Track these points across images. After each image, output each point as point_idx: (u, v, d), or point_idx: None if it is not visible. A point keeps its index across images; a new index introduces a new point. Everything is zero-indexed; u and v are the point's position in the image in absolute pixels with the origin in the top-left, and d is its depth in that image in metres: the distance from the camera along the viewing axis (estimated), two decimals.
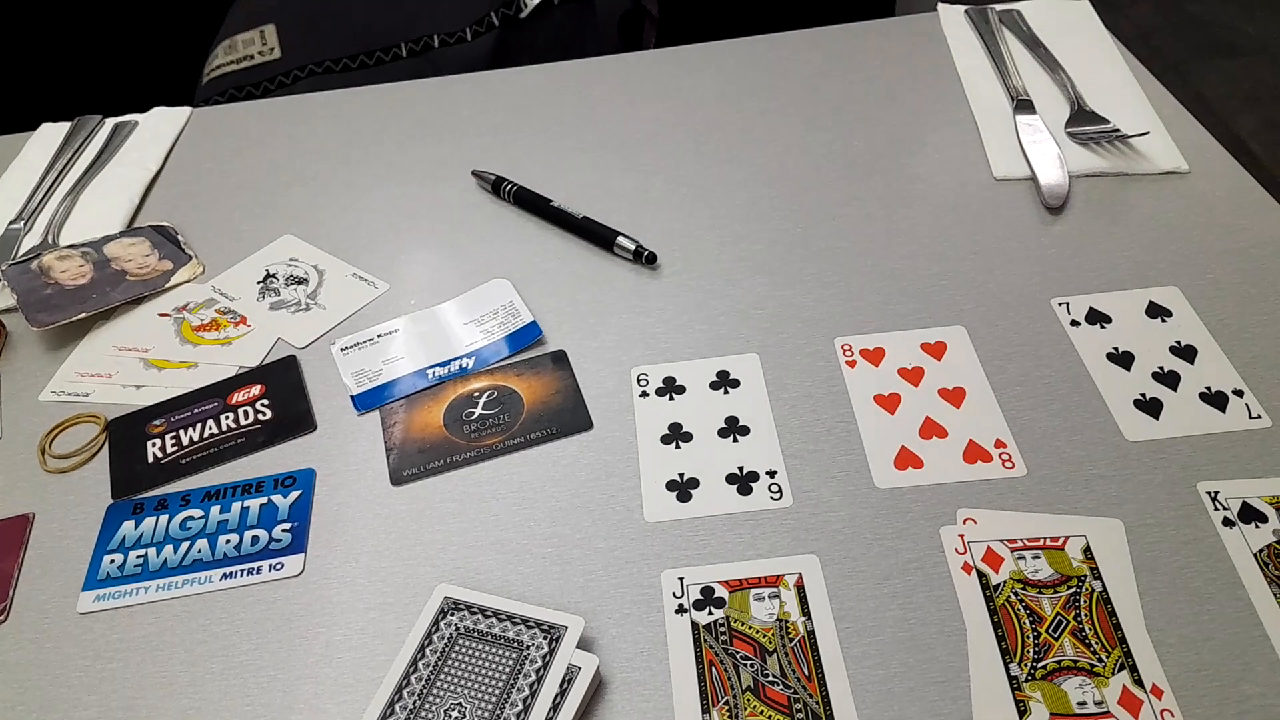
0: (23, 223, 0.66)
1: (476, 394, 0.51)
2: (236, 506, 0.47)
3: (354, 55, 1.08)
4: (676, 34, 1.09)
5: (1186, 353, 0.49)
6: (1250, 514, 0.42)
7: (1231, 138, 2.18)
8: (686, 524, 0.44)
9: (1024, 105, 0.65)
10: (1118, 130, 0.62)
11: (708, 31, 1.12)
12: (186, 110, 0.77)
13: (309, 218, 0.65)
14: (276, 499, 0.47)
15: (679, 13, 1.11)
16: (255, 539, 0.45)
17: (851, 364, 0.51)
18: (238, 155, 0.72)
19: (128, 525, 0.47)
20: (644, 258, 0.58)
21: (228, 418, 0.52)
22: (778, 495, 0.45)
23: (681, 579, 0.42)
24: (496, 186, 0.64)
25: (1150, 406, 0.47)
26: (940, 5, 0.76)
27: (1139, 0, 2.63)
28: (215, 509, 0.47)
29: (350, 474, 0.49)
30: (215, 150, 0.73)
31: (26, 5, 1.39)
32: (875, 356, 0.51)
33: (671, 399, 0.50)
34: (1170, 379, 0.48)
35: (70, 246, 0.63)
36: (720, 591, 0.41)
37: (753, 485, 0.45)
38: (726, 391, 0.50)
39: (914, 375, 0.50)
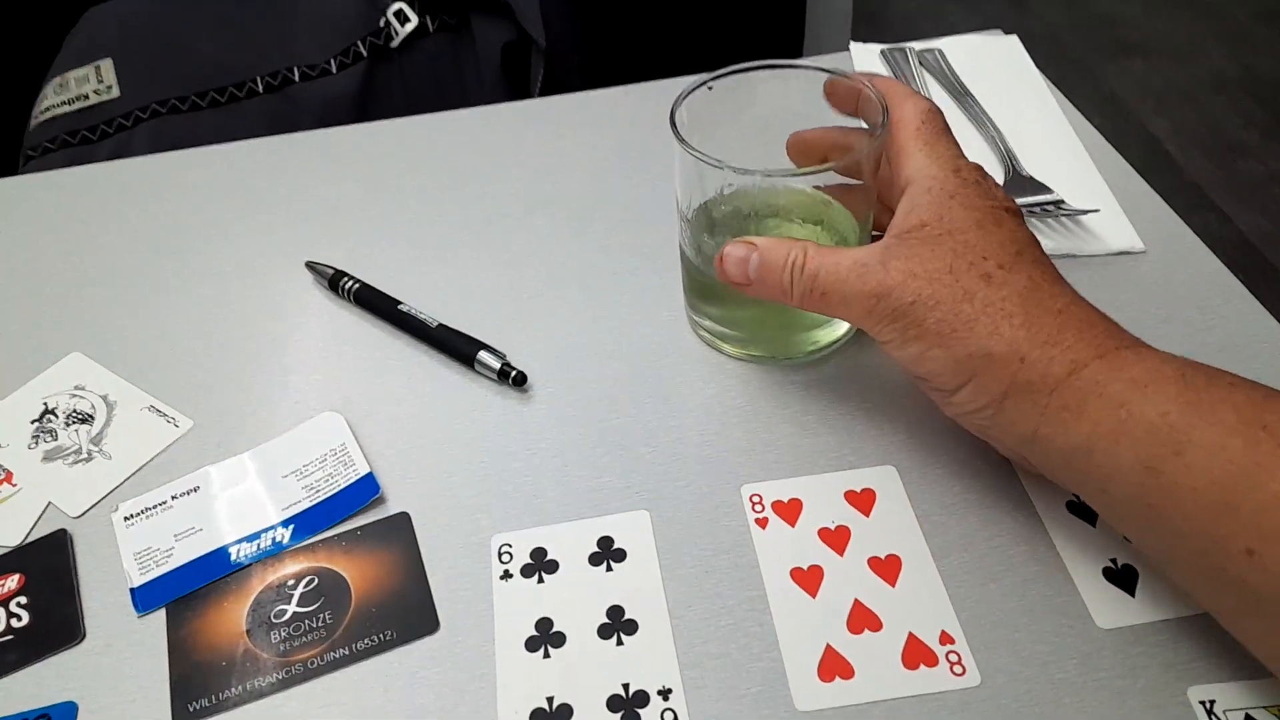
0: None
1: (291, 583, 0.40)
2: None
3: (203, 93, 0.95)
4: (569, 67, 0.99)
5: None
6: None
7: (1148, 139, 2.17)
8: None
9: None
10: (1061, 202, 0.53)
11: (605, 66, 1.01)
12: None
13: (105, 328, 0.53)
14: None
15: (573, 45, 1.00)
16: None
17: (762, 522, 0.41)
18: (28, 244, 0.59)
19: None
20: (511, 378, 0.47)
21: None
22: None
23: None
24: (334, 283, 0.53)
25: (1123, 577, 0.38)
26: (853, 45, 0.67)
27: (1051, 1, 2.61)
28: None
29: (120, 707, 0.37)
30: (4, 237, 0.60)
31: None
32: (790, 512, 0.41)
33: (540, 580, 0.40)
34: None
35: None
36: None
37: (640, 713, 0.36)
38: (610, 568, 0.40)
39: (838, 539, 0.40)
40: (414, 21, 0.95)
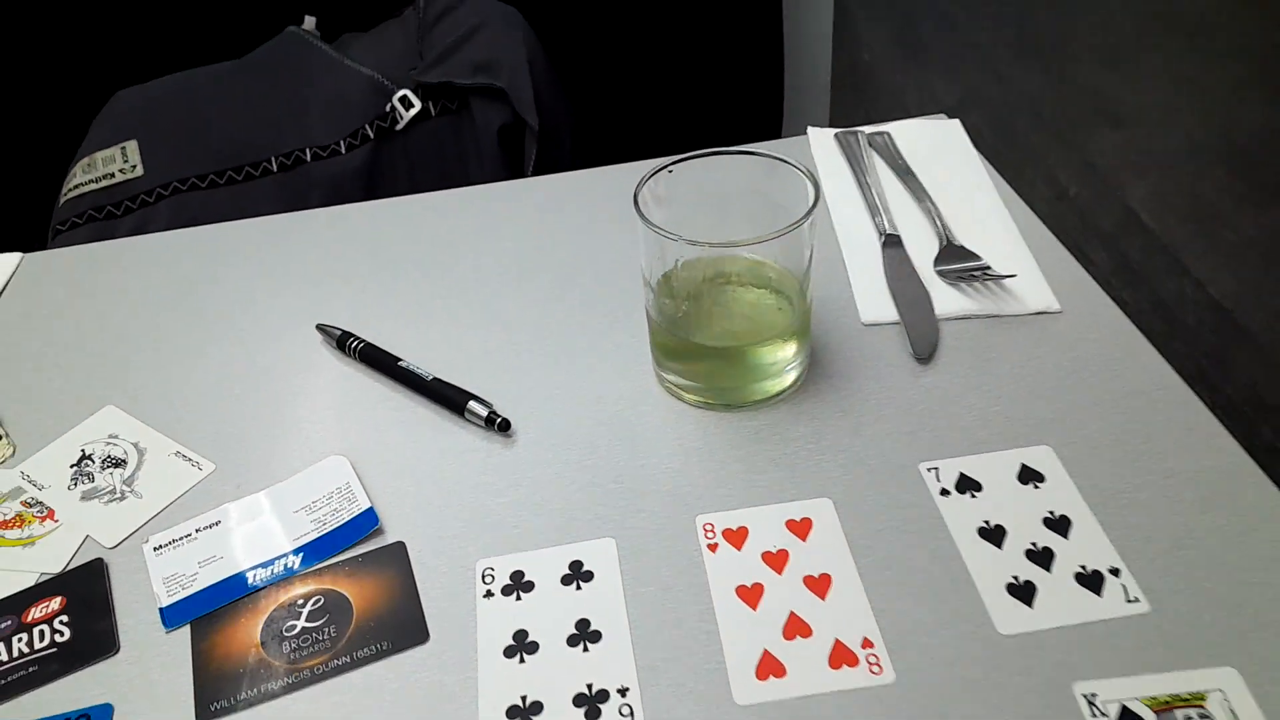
0: None
1: (300, 602, 0.46)
2: None
3: (221, 171, 1.03)
4: (561, 146, 1.07)
5: (1060, 525, 0.47)
6: (1129, 719, 0.39)
7: (1124, 207, 2.26)
8: None
9: (892, 241, 0.63)
10: (987, 268, 0.60)
11: (594, 144, 1.09)
12: (16, 257, 0.71)
13: (135, 384, 0.60)
14: None
15: (564, 126, 1.09)
16: None
17: (713, 547, 0.47)
18: (65, 309, 0.66)
19: None
20: (497, 424, 0.54)
21: (21, 640, 0.46)
22: (628, 718, 0.41)
23: None
24: (341, 343, 0.60)
25: (1024, 592, 0.44)
26: (810, 129, 0.75)
27: (1028, 71, 2.72)
28: None
29: (151, 708, 0.43)
30: (42, 303, 0.67)
31: None
32: (738, 538, 0.47)
33: (519, 598, 0.46)
34: (1044, 557, 0.45)
35: None
36: None
37: (601, 707, 0.41)
38: (579, 587, 0.46)
39: (778, 561, 0.46)
40: (418, 106, 1.04)
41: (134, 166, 1.04)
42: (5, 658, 0.45)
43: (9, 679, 0.44)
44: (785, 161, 0.52)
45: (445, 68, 1.05)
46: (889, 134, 0.74)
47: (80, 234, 1.03)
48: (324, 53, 1.10)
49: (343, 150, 1.03)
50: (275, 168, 1.03)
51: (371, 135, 1.04)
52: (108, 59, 1.28)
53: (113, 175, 1.05)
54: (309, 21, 1.17)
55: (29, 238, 0.97)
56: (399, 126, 1.04)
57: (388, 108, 1.05)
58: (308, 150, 1.03)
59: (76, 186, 1.05)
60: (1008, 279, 0.59)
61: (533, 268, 0.66)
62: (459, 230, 0.70)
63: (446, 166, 1.05)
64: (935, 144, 0.73)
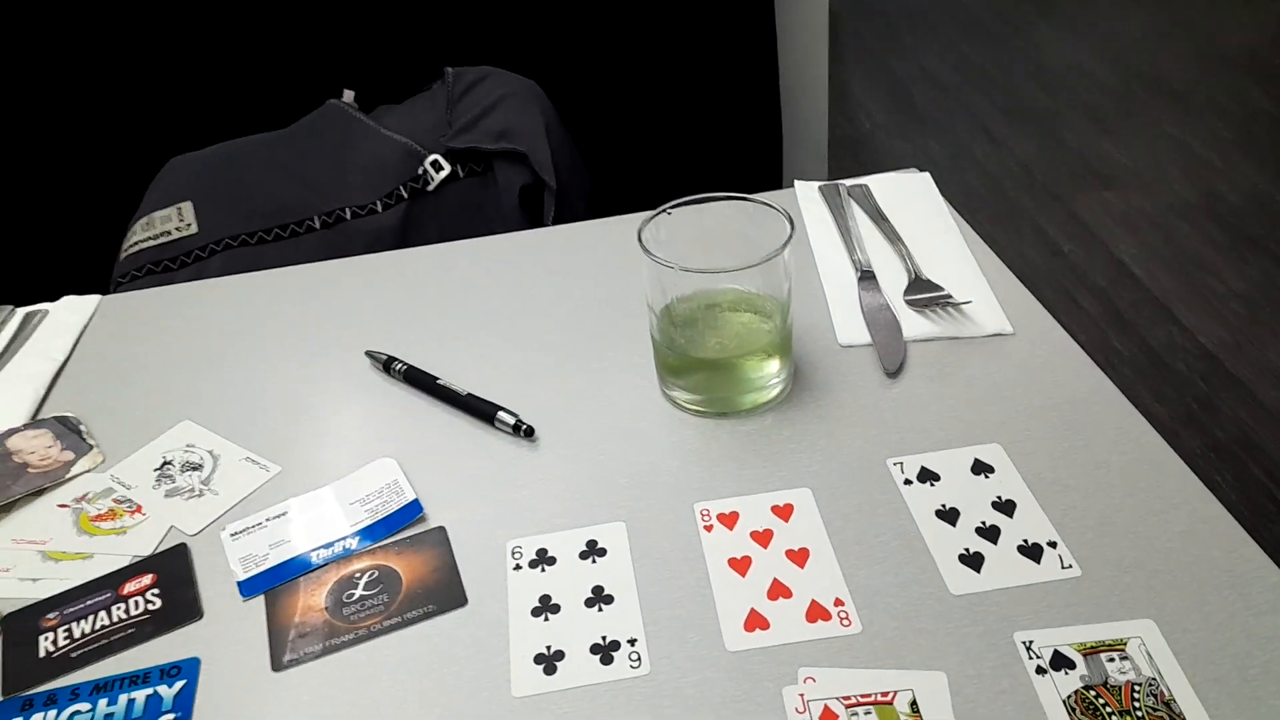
0: None
1: (358, 575, 0.54)
2: (123, 699, 0.49)
3: (269, 228, 1.13)
4: (576, 202, 1.17)
5: (1007, 507, 0.54)
6: (1060, 661, 0.47)
7: (1114, 262, 2.35)
8: (551, 698, 0.47)
9: (867, 276, 0.72)
10: (949, 297, 0.69)
11: (606, 199, 1.20)
12: (95, 299, 0.81)
13: (207, 402, 0.69)
14: (162, 689, 0.49)
15: (578, 185, 1.19)
16: None
17: (709, 528, 0.55)
18: (142, 342, 0.75)
19: None
20: (523, 431, 0.62)
21: (119, 608, 0.54)
22: (637, 663, 0.48)
23: None
24: (387, 366, 0.69)
25: (973, 560, 0.52)
26: (797, 182, 0.84)
27: (1023, 135, 2.85)
28: (102, 702, 0.49)
29: (233, 661, 0.51)
30: (121, 337, 0.76)
31: None
32: (730, 520, 0.55)
33: (543, 570, 0.54)
34: (991, 533, 0.53)
35: None
36: None
37: (614, 655, 0.49)
38: (594, 561, 0.54)
39: (764, 538, 0.54)
40: (447, 169, 1.14)
41: (189, 225, 1.15)
42: (107, 622, 0.53)
43: (112, 638, 0.52)
44: (765, 204, 0.61)
45: (472, 135, 1.16)
46: (866, 186, 0.83)
47: (140, 285, 1.13)
48: (362, 122, 1.21)
49: (379, 209, 1.13)
50: (318, 225, 1.13)
51: (405, 195, 1.14)
52: (162, 128, 1.40)
53: (169, 233, 1.15)
54: (348, 95, 1.28)
55: (89, 290, 1.07)
56: (430, 187, 1.14)
57: (419, 170, 1.15)
58: (347, 209, 1.14)
59: (136, 243, 1.15)
60: (966, 305, 0.68)
61: (551, 302, 0.75)
62: (488, 272, 0.79)
63: (472, 223, 1.15)
64: (907, 194, 0.82)
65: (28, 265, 1.29)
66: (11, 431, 0.67)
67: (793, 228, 0.58)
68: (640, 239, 0.59)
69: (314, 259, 0.85)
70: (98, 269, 1.23)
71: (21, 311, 0.80)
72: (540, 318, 0.73)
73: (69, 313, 0.79)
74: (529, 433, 0.62)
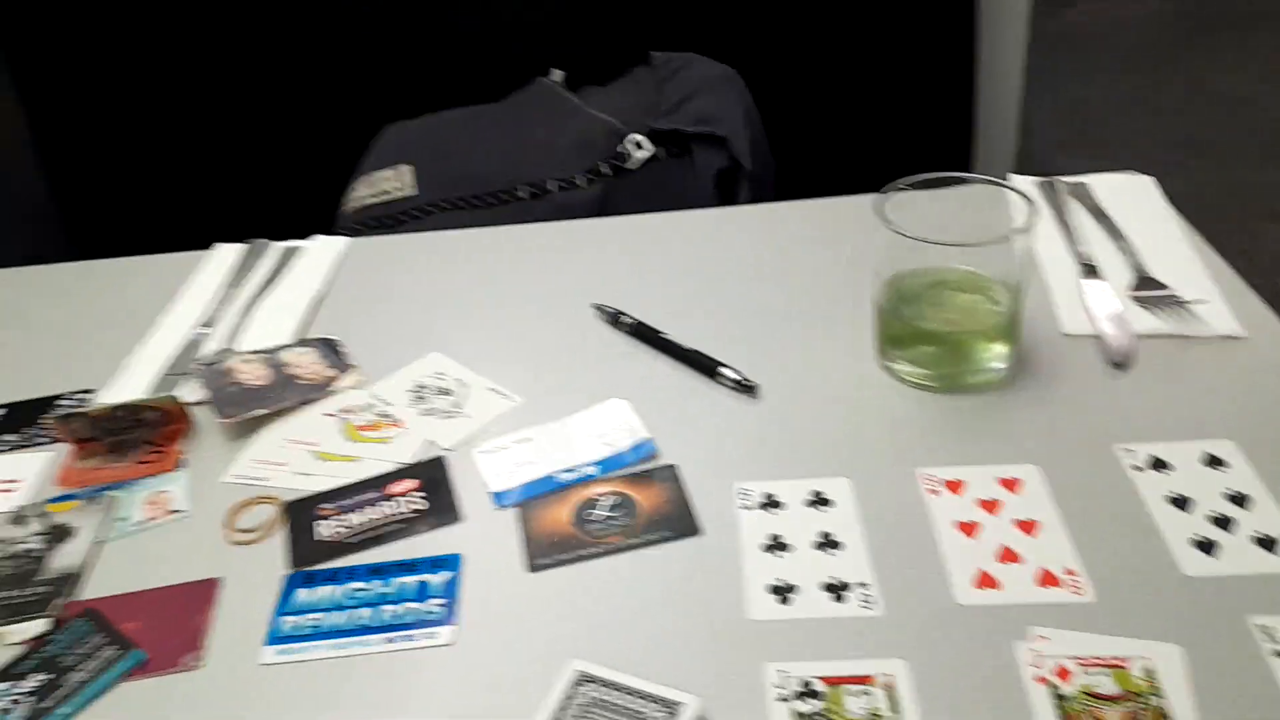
0: (208, 330, 0.77)
1: (599, 498, 0.59)
2: (396, 581, 0.55)
3: (480, 195, 1.21)
4: (766, 189, 1.21)
5: (1240, 500, 0.55)
6: None
7: None
8: (786, 624, 0.51)
9: (1090, 269, 0.72)
10: (1177, 296, 0.69)
11: (795, 186, 1.22)
12: (345, 240, 0.89)
13: (452, 339, 0.75)
14: (429, 578, 0.55)
15: (769, 172, 1.23)
16: (412, 610, 0.53)
17: (934, 493, 0.57)
18: (389, 281, 0.83)
19: (303, 592, 0.55)
20: (745, 386, 0.66)
21: (387, 505, 0.60)
22: (868, 604, 0.51)
23: (782, 672, 0.48)
24: (614, 319, 0.73)
25: (1206, 546, 0.52)
26: (1011, 175, 0.85)
27: (1202, 167, 2.72)
28: (378, 582, 0.55)
29: (492, 560, 0.56)
30: (370, 276, 0.84)
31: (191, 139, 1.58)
32: (955, 487, 0.57)
33: (771, 513, 0.57)
34: (1224, 523, 0.53)
35: (252, 352, 0.73)
36: (818, 685, 0.47)
37: (846, 595, 0.52)
38: (820, 509, 0.57)
39: (992, 505, 0.56)
40: (647, 150, 1.19)
41: (409, 186, 1.23)
42: (377, 516, 0.60)
43: (385, 530, 0.59)
44: (1006, 186, 0.63)
45: (674, 117, 1.21)
46: (1086, 184, 0.83)
47: (363, 236, 1.23)
48: (568, 100, 1.28)
49: (582, 184, 1.19)
50: (524, 195, 1.20)
51: (606, 172, 1.19)
52: (377, 98, 1.50)
53: (388, 192, 1.24)
54: (556, 74, 1.35)
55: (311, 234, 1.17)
56: (630, 166, 1.19)
57: (620, 149, 1.20)
58: (551, 182, 1.20)
59: (359, 199, 1.25)
60: (1196, 304, 0.68)
61: (770, 275, 0.78)
62: (709, 244, 0.83)
63: (668, 202, 1.19)
64: (1130, 196, 0.82)
65: (260, 209, 1.41)
66: (283, 348, 0.74)
67: (1035, 210, 0.60)
68: (880, 210, 0.62)
69: None
70: (317, 218, 1.33)
71: (280, 246, 0.89)
72: (754, 285, 0.77)
73: (324, 249, 0.87)
74: (750, 389, 0.66)
